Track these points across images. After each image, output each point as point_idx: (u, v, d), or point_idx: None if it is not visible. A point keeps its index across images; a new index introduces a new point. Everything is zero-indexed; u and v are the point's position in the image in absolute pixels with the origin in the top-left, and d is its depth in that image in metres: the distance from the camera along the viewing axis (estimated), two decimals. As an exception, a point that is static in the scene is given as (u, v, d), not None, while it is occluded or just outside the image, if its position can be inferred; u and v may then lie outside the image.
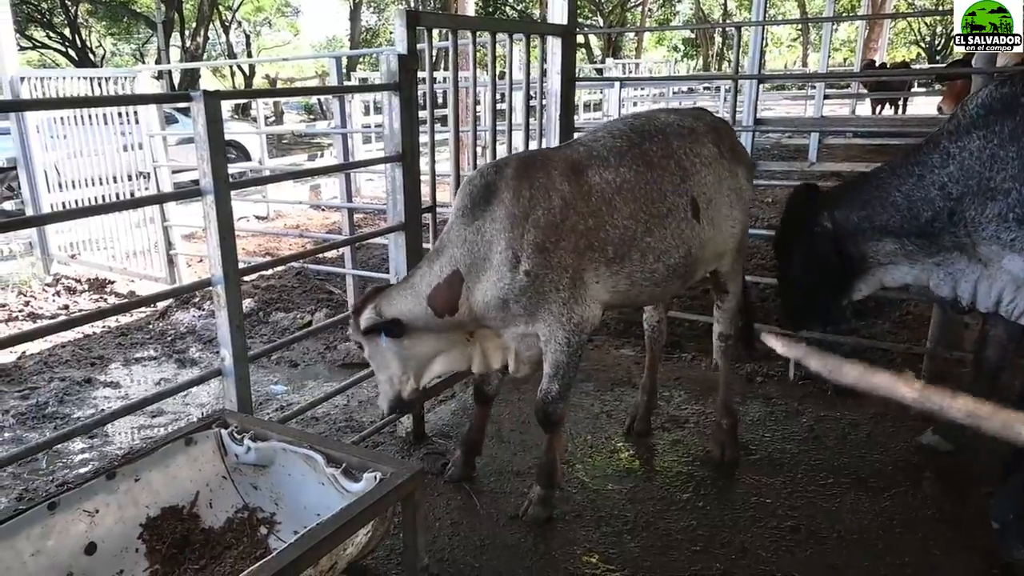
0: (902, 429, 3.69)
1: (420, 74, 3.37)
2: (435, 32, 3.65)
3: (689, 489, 3.22)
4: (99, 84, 6.47)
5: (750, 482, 3.27)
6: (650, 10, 33.83)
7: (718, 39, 34.37)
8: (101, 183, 6.69)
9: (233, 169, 11.98)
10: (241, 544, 2.04)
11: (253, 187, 7.58)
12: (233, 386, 2.49)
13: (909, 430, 3.65)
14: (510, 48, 4.44)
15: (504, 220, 2.61)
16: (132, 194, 6.51)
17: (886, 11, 18.70)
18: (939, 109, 10.35)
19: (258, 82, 28.39)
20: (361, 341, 2.77)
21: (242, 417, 2.33)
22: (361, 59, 19.07)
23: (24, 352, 5.08)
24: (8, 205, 10.79)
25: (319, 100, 21.74)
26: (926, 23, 31.44)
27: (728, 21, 32.56)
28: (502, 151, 4.16)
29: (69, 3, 24.92)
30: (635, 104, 16.35)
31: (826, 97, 11.00)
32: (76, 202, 6.78)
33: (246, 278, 6.09)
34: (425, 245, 3.58)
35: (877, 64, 16.70)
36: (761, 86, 4.47)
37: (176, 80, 21.22)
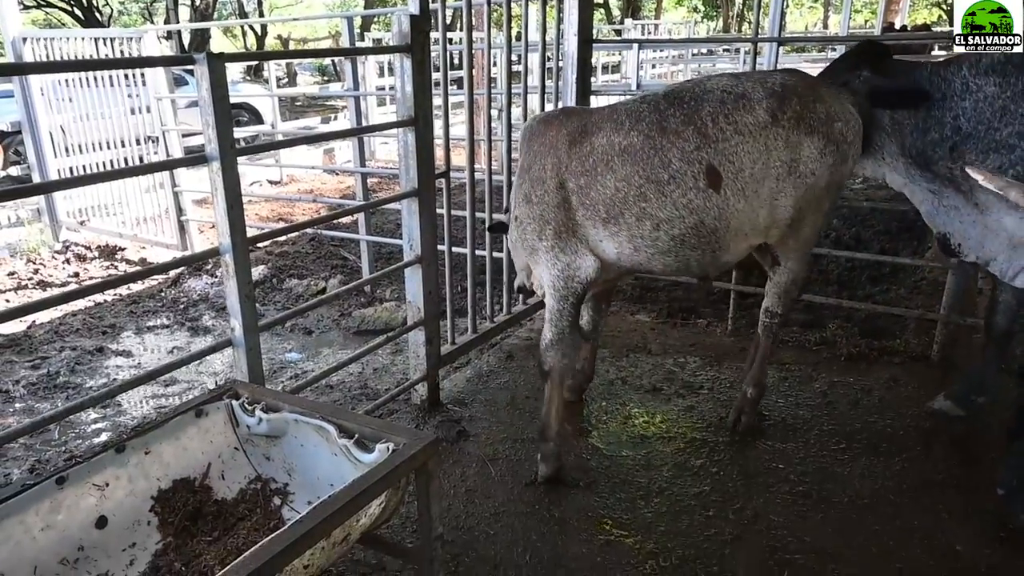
0: (914, 395, 3.68)
1: (433, 35, 3.28)
2: (450, -9, 3.55)
3: (703, 455, 3.22)
4: (105, 44, 6.36)
5: (764, 448, 3.26)
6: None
7: (739, 0, 33.44)
8: (109, 147, 6.63)
9: (245, 132, 11.97)
10: (254, 515, 2.04)
11: (265, 152, 7.52)
12: (244, 357, 2.48)
13: (921, 396, 3.64)
14: (526, 8, 4.31)
15: (519, 170, 2.98)
16: (141, 159, 6.45)
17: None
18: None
19: (270, 42, 28.03)
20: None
21: (253, 388, 2.32)
22: (376, 19, 18.70)
23: (34, 321, 5.09)
24: (14, 170, 10.75)
25: (332, 61, 21.43)
26: (948, -16, 30.30)
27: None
28: (517, 114, 4.09)
29: (75, -40, 24.55)
30: (653, 66, 15.90)
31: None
32: (83, 167, 6.71)
33: (259, 244, 6.08)
34: (439, 210, 3.54)
35: (897, 27, 16.21)
36: (781, 48, 4.31)
37: (186, 40, 20.97)
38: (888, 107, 2.96)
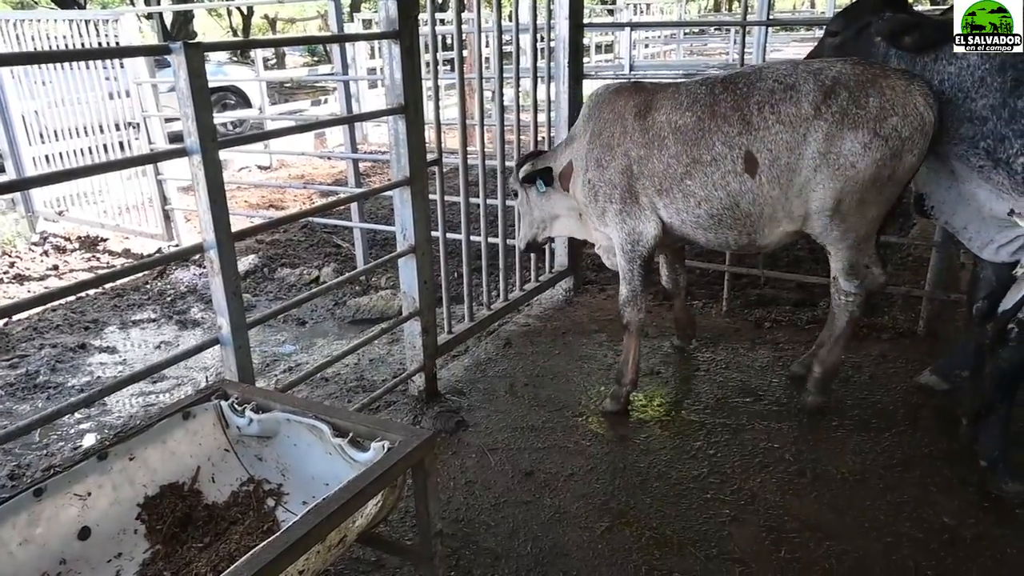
0: (902, 370, 3.71)
1: (422, 15, 3.20)
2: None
3: (700, 437, 3.21)
4: (80, 27, 6.12)
5: (759, 428, 3.27)
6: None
7: (730, -21, 33.10)
8: (86, 133, 6.43)
9: (232, 116, 11.78)
10: (247, 518, 2.00)
11: (248, 143, 7.35)
12: (232, 355, 2.42)
13: (909, 371, 3.68)
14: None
15: (590, 134, 3.22)
16: (122, 145, 6.28)
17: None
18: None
19: (256, 22, 27.58)
20: (519, 190, 3.61)
21: (243, 387, 2.26)
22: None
23: (11, 317, 4.90)
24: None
25: (322, 42, 21.09)
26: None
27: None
28: (509, 94, 4.02)
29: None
30: (646, 46, 15.69)
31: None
32: (60, 155, 6.50)
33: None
34: (432, 196, 3.48)
35: None
36: (770, 29, 4.28)
37: (168, 20, 20.52)
38: (911, 48, 2.91)
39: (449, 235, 3.94)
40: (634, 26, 6.27)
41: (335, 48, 5.79)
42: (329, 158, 10.38)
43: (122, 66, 6.16)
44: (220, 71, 12.60)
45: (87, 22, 6.18)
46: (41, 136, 6.57)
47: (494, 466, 3.06)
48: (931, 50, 2.90)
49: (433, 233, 3.49)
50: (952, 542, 2.55)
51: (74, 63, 6.23)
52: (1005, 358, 2.65)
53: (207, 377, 4.11)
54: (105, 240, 6.66)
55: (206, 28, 29.66)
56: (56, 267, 6.15)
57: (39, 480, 1.78)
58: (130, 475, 1.94)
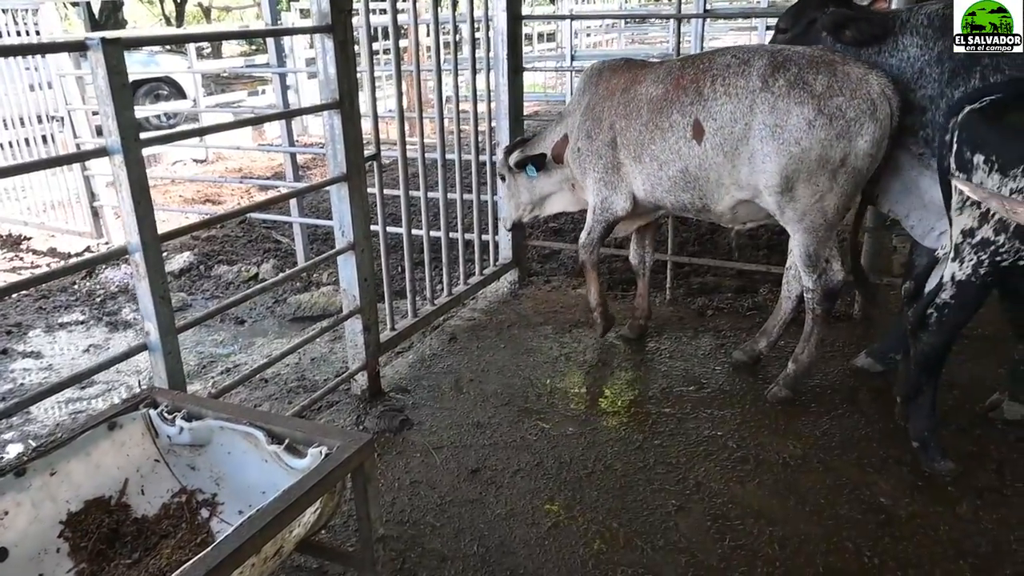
0: (839, 353, 3.81)
1: (356, 4, 3.13)
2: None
3: (646, 428, 3.24)
4: None
5: (703, 416, 3.31)
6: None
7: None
8: (5, 127, 6.10)
9: (166, 108, 11.35)
10: (179, 531, 1.92)
11: (173, 142, 7.05)
12: (162, 361, 2.32)
13: (845, 354, 3.78)
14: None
15: (584, 106, 3.54)
16: (44, 139, 5.97)
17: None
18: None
19: (190, 10, 26.60)
20: (507, 174, 3.92)
21: (173, 394, 2.17)
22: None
23: None
24: None
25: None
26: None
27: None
28: (448, 83, 3.98)
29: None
30: (588, 35, 15.90)
31: (769, 28, 10.87)
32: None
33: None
34: (371, 190, 3.41)
35: None
36: (707, 19, 4.37)
37: (96, 8, 19.58)
38: (852, 41, 3.00)
39: (391, 229, 3.87)
40: (574, 18, 6.29)
41: (270, 43, 5.61)
42: (267, 152, 10.11)
43: (43, 56, 5.84)
44: (152, 61, 12.10)
45: (3, 11, 5.84)
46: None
47: (439, 465, 3.03)
48: (873, 43, 2.98)
49: (374, 227, 3.42)
50: (889, 522, 2.63)
51: (-10, 54, 5.89)
52: (927, 342, 2.74)
53: (140, 381, 3.95)
54: (29, 239, 6.34)
55: (137, 16, 28.46)
56: (-26, 267, 5.83)
57: (-54, 504, 1.67)
58: (51, 491, 1.84)
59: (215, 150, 9.88)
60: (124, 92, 2.16)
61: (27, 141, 6.15)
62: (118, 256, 2.37)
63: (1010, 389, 3.14)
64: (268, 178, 8.50)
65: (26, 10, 5.77)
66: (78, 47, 2.17)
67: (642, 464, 2.99)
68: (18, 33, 5.83)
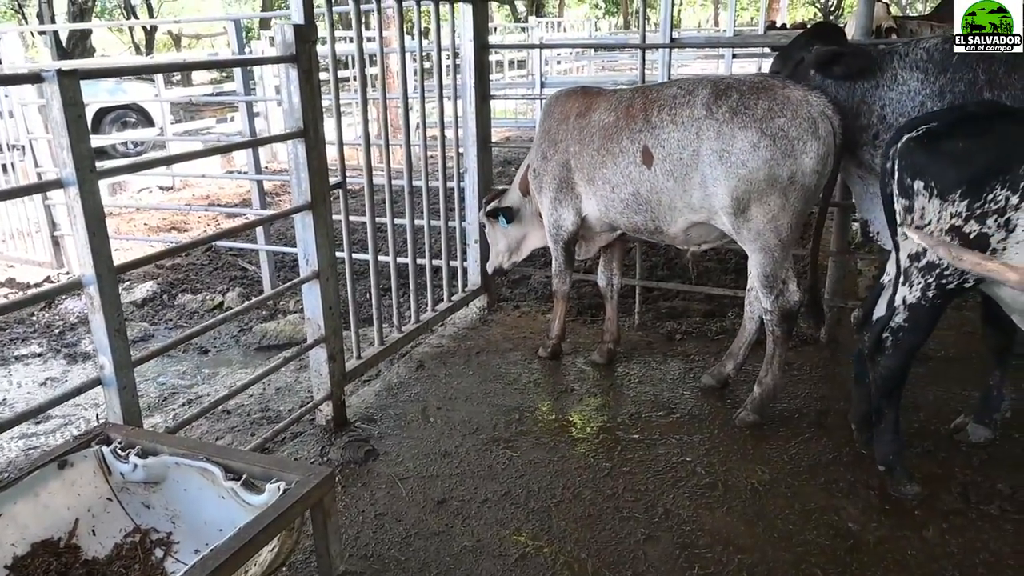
0: (806, 377, 3.85)
1: (321, 33, 3.14)
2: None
3: (614, 455, 3.22)
4: None
5: (672, 441, 3.30)
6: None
7: (637, -2, 34.27)
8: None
9: (133, 136, 11.22)
10: (132, 572, 1.86)
11: (127, 174, 6.97)
12: (116, 396, 2.26)
13: (813, 377, 3.83)
14: (418, 15, 4.22)
15: (541, 131, 3.73)
16: (3, 168, 5.87)
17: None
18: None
19: (160, 38, 26.49)
20: (485, 223, 4.21)
21: (127, 430, 2.12)
22: (276, 18, 17.87)
23: None
24: None
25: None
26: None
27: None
28: (416, 113, 4.02)
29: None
30: (558, 62, 16.20)
31: (735, 56, 11.17)
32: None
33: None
34: (336, 217, 3.39)
35: (779, 25, 17.29)
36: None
37: (64, 36, 19.37)
38: (842, 76, 3.07)
39: (358, 256, 3.85)
40: (543, 47, 6.42)
41: (236, 72, 5.60)
42: (235, 179, 10.02)
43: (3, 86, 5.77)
44: (120, 89, 11.98)
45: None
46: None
47: (405, 496, 2.98)
48: (861, 76, 3.03)
49: (340, 254, 3.39)
50: (857, 547, 2.62)
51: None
52: (884, 365, 2.77)
53: (98, 415, 3.84)
54: (-14, 269, 6.19)
55: (106, 44, 28.27)
56: (-70, 299, 5.64)
57: None
58: (-6, 535, 1.77)
59: (182, 178, 9.78)
60: (79, 124, 2.13)
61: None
62: (76, 288, 2.31)
63: (977, 412, 3.17)
64: (236, 205, 8.42)
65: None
66: (34, 79, 2.14)
67: (611, 492, 2.96)
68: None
